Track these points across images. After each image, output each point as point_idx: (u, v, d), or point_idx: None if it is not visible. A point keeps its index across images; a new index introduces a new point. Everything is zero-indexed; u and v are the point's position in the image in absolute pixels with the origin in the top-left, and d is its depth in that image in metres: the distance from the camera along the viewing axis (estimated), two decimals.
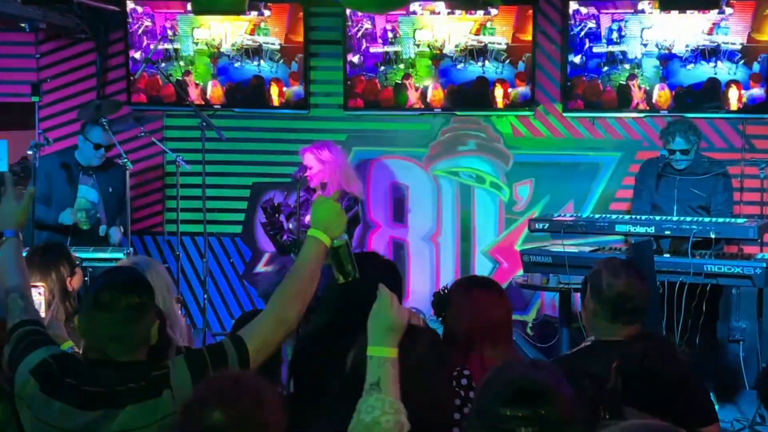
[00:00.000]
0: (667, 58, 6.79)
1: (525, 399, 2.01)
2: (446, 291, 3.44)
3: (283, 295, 2.79)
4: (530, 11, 6.88)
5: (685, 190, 6.18)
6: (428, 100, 7.12)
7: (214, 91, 7.32)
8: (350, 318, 3.28)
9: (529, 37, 6.91)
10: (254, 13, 7.11)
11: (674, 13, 6.62)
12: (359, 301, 3.31)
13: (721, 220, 5.74)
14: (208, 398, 2.22)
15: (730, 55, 6.70)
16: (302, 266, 2.84)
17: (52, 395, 2.61)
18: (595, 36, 6.85)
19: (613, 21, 6.83)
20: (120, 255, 5.97)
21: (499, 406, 2.01)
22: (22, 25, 6.98)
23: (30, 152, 6.41)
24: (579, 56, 6.91)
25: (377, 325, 2.58)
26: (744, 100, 6.74)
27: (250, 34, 7.21)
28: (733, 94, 6.74)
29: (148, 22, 7.27)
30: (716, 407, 3.46)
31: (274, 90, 7.26)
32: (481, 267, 7.36)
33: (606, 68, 6.88)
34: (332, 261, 2.94)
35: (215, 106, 7.31)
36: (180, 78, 7.28)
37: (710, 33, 6.70)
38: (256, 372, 2.61)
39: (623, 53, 6.84)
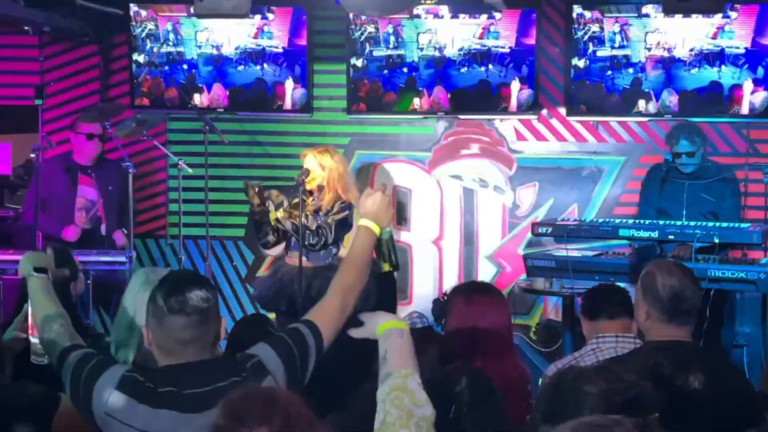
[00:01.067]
0: (671, 62, 6.77)
1: None
2: (446, 297, 3.44)
3: (344, 281, 2.94)
4: (534, 15, 6.86)
5: (694, 195, 6.16)
6: (432, 103, 7.11)
7: (218, 94, 7.31)
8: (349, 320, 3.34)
9: (533, 41, 6.90)
10: (257, 17, 7.11)
11: (678, 17, 6.60)
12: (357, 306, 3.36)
13: (725, 224, 5.72)
14: (242, 415, 2.15)
15: (735, 59, 6.68)
16: (357, 254, 3.00)
17: (159, 406, 2.60)
18: (599, 40, 6.84)
19: (617, 24, 6.81)
20: (122, 258, 5.98)
21: None
22: (26, 28, 7.00)
23: (33, 155, 6.43)
24: (583, 60, 6.89)
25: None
26: (748, 104, 6.71)
27: (254, 38, 7.21)
28: (737, 98, 6.72)
29: (151, 26, 7.27)
30: None
31: (277, 93, 7.26)
32: (485, 271, 7.34)
33: (610, 72, 6.86)
34: (377, 250, 3.08)
35: (218, 110, 7.31)
36: (183, 81, 7.28)
37: (714, 37, 6.68)
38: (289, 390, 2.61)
39: (627, 57, 6.83)
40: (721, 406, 3.12)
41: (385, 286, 3.66)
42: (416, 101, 7.13)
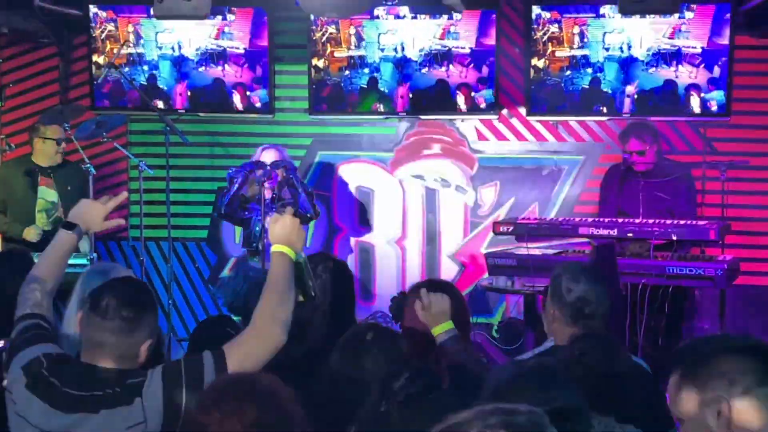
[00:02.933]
0: (628, 62, 6.85)
1: None
2: (403, 295, 3.46)
3: (264, 311, 2.79)
4: (493, 16, 6.91)
5: (650, 193, 6.24)
6: (393, 104, 7.14)
7: (178, 95, 7.29)
8: (303, 316, 3.36)
9: (493, 42, 6.95)
10: (218, 18, 7.10)
11: (636, 17, 6.68)
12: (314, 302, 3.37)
13: (682, 222, 5.80)
14: (210, 405, 2.19)
15: (691, 59, 6.77)
16: (276, 281, 2.85)
17: (35, 394, 2.64)
18: (557, 40, 6.90)
19: (576, 25, 6.88)
20: (83, 260, 5.94)
21: None
22: None
23: None
24: (542, 60, 6.95)
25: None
26: (705, 103, 6.81)
27: (215, 39, 7.20)
28: (693, 97, 6.81)
29: (111, 27, 7.23)
30: None
31: (238, 94, 7.25)
32: (447, 270, 7.38)
33: (569, 72, 6.93)
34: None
35: (179, 111, 7.29)
36: (143, 82, 7.25)
37: (671, 37, 6.77)
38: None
39: (586, 57, 6.90)
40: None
41: (341, 280, 3.67)
42: (377, 102, 7.15)
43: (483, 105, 7.04)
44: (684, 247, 5.84)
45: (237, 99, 7.25)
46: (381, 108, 7.16)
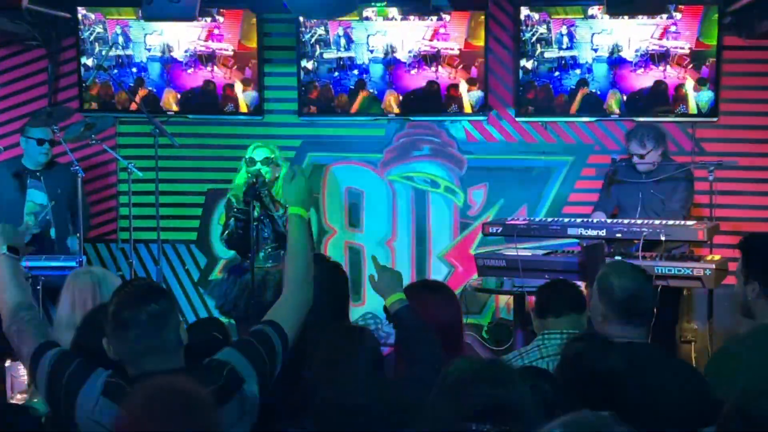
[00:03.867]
0: (617, 63, 6.87)
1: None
2: None
3: (296, 275, 2.98)
4: (482, 17, 6.92)
5: (647, 193, 6.27)
6: (382, 105, 7.14)
7: (167, 97, 7.28)
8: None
9: (482, 43, 6.96)
10: (207, 20, 7.09)
11: (624, 18, 6.70)
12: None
13: (671, 222, 5.81)
14: (146, 407, 2.20)
15: (679, 60, 6.79)
16: (298, 243, 3.02)
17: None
18: (546, 41, 6.92)
19: (564, 26, 6.89)
20: (72, 263, 5.92)
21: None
22: None
23: None
24: (531, 61, 6.97)
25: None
26: (693, 103, 6.83)
27: (203, 41, 7.19)
28: (682, 97, 6.83)
29: (99, 29, 7.22)
30: None
31: (227, 96, 7.24)
32: (437, 271, 7.39)
33: (557, 73, 6.95)
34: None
35: (168, 113, 7.28)
36: (132, 84, 7.24)
37: (660, 38, 6.79)
38: None
39: (574, 58, 6.91)
40: (672, 405, 3.17)
41: (335, 281, 3.68)
42: (367, 103, 7.15)
43: (472, 106, 7.05)
44: (673, 247, 5.86)
45: (226, 101, 7.24)
46: (370, 109, 7.16)
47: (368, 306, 7.33)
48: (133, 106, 7.12)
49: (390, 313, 3.29)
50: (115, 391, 2.65)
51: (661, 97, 6.86)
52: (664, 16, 6.64)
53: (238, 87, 7.23)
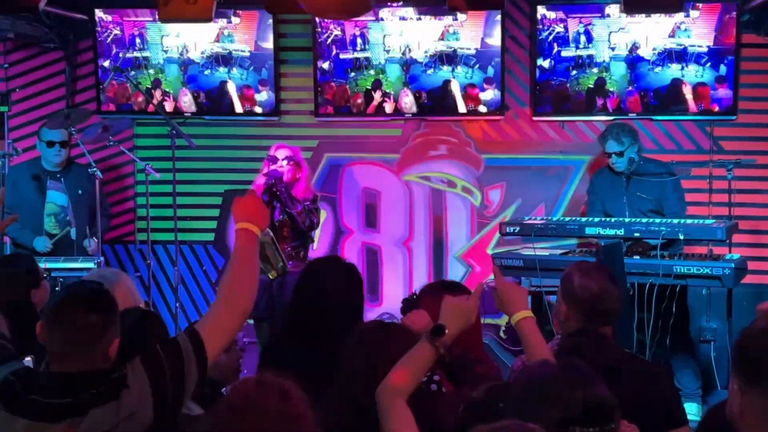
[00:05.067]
0: (634, 61, 6.84)
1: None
2: (415, 296, 3.45)
3: (231, 284, 2.87)
4: (499, 16, 6.91)
5: (632, 195, 6.25)
6: (399, 105, 7.13)
7: (184, 98, 7.30)
8: (314, 317, 3.38)
9: (498, 42, 6.95)
10: (223, 21, 7.11)
11: (641, 16, 6.68)
12: (322, 302, 3.39)
13: (689, 221, 5.78)
14: (237, 404, 2.23)
15: (697, 58, 6.76)
16: (239, 254, 2.92)
17: (17, 413, 2.60)
18: (563, 40, 6.90)
19: (581, 25, 6.87)
20: (91, 264, 5.95)
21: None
22: None
23: None
24: (548, 60, 6.95)
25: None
26: (711, 102, 6.80)
27: (220, 42, 7.21)
28: (700, 96, 6.80)
29: (116, 31, 7.25)
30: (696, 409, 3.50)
31: (244, 97, 7.26)
32: (454, 271, 7.38)
33: (574, 72, 6.93)
34: (261, 257, 3.03)
35: (185, 114, 7.30)
36: (149, 86, 7.26)
37: (677, 36, 6.76)
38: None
39: (591, 57, 6.89)
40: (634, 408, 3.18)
41: (351, 282, 3.68)
42: (383, 103, 7.15)
43: (489, 106, 7.04)
44: (678, 245, 5.82)
45: (243, 102, 7.26)
46: (387, 109, 7.16)
47: (386, 306, 7.32)
48: (150, 108, 7.14)
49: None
50: (5, 388, 2.65)
51: (679, 96, 6.83)
52: (682, 14, 6.60)
53: (255, 88, 7.23)
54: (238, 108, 7.28)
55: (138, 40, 7.25)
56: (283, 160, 6.12)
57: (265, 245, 3.06)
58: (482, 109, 7.06)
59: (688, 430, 3.28)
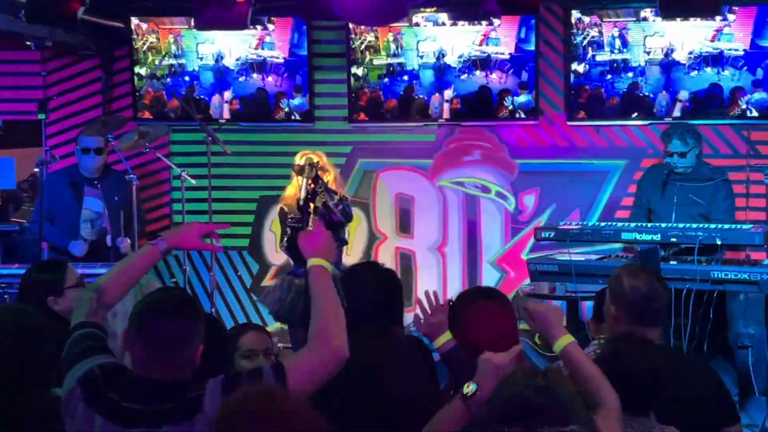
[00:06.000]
0: (670, 65, 6.80)
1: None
2: (451, 303, 3.45)
3: (321, 330, 2.73)
4: (533, 21, 6.89)
5: (684, 196, 6.19)
6: (432, 111, 7.13)
7: (219, 105, 7.35)
8: (351, 323, 3.39)
9: (532, 47, 6.93)
10: (258, 28, 7.14)
11: (677, 20, 6.63)
12: (360, 308, 3.40)
13: (726, 226, 5.73)
14: (237, 413, 2.21)
15: (734, 61, 6.70)
16: (324, 297, 2.81)
17: (95, 408, 2.61)
18: (597, 44, 6.87)
19: (616, 29, 6.84)
20: None
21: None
22: (28, 43, 7.03)
23: (37, 169, 6.46)
24: (582, 65, 6.92)
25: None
26: (748, 106, 6.74)
27: (255, 49, 7.25)
28: (737, 99, 6.74)
29: (152, 39, 7.30)
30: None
31: (278, 103, 7.29)
32: (488, 277, 7.36)
33: (609, 76, 6.89)
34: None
35: (220, 121, 7.34)
36: (185, 93, 7.32)
37: (713, 39, 6.71)
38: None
39: (626, 61, 6.85)
40: (687, 408, 3.17)
41: (390, 288, 3.69)
42: (417, 109, 7.15)
43: (523, 110, 7.02)
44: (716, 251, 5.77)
45: (277, 108, 7.29)
46: (420, 115, 7.16)
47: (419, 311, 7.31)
48: (186, 114, 7.19)
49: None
50: (88, 381, 2.66)
51: (716, 100, 6.77)
52: (718, 17, 6.55)
53: (289, 94, 7.26)
54: (272, 114, 7.31)
55: (174, 48, 7.31)
56: (306, 166, 6.12)
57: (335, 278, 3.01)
58: (516, 114, 7.04)
59: (741, 428, 3.29)
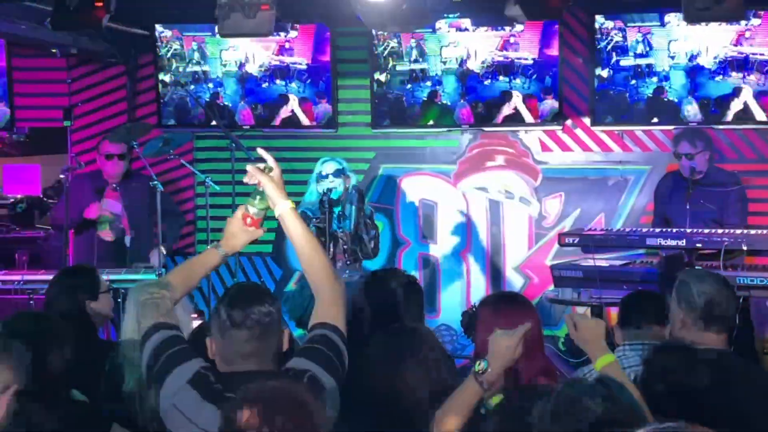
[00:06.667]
0: (695, 70, 6.76)
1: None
2: (474, 309, 3.45)
3: (321, 270, 2.91)
4: (556, 26, 6.87)
5: (696, 202, 6.15)
6: (455, 116, 7.13)
7: (243, 111, 7.37)
8: (373, 329, 3.39)
9: (556, 52, 6.91)
10: (281, 35, 7.16)
11: (701, 24, 6.59)
12: (381, 314, 3.40)
13: (753, 231, 5.69)
14: (247, 404, 2.23)
15: (760, 66, 6.65)
16: (301, 237, 2.96)
17: (219, 407, 2.60)
18: (621, 49, 6.84)
19: (640, 34, 6.80)
20: (152, 276, 6.02)
21: None
22: (54, 50, 7.10)
23: (62, 176, 6.51)
24: (606, 70, 6.89)
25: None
26: None
27: (278, 55, 7.27)
28: (762, 104, 6.68)
29: (176, 46, 7.34)
30: None
31: (302, 109, 7.31)
32: (512, 282, 7.34)
33: (633, 81, 6.86)
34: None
35: (244, 127, 7.37)
36: (209, 100, 7.35)
37: (738, 44, 6.66)
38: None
39: (650, 66, 6.82)
40: (759, 415, 3.13)
41: (412, 295, 3.69)
42: (440, 114, 7.15)
43: (547, 116, 7.00)
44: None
45: (300, 114, 7.31)
46: (443, 120, 7.16)
47: (443, 318, 7.32)
48: (210, 121, 7.22)
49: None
50: (201, 381, 2.69)
51: (741, 104, 6.72)
52: (743, 22, 6.50)
53: (312, 100, 7.28)
54: (296, 120, 7.33)
55: (197, 54, 7.34)
56: (331, 174, 6.13)
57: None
58: (540, 119, 7.02)
59: None
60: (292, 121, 7.34)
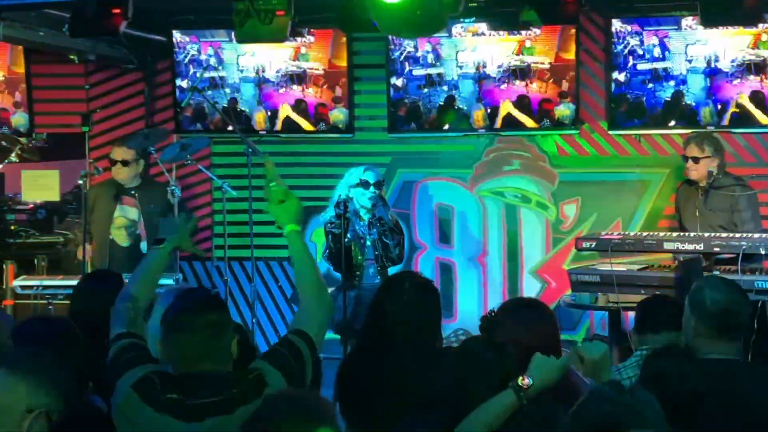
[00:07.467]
0: (712, 74, 6.73)
1: None
2: (494, 314, 3.44)
3: (312, 285, 3.07)
4: (573, 30, 6.86)
5: (706, 209, 6.13)
6: (472, 121, 7.13)
7: (260, 117, 7.40)
8: (391, 333, 3.39)
9: (572, 56, 6.90)
10: (298, 40, 7.18)
11: (719, 28, 6.56)
12: (399, 318, 3.39)
13: None
14: (268, 416, 2.26)
15: None
16: (304, 258, 3.11)
17: (159, 410, 2.72)
18: (638, 53, 6.82)
19: (656, 37, 6.79)
20: (169, 281, 6.05)
21: None
22: (72, 57, 7.14)
23: (81, 181, 6.55)
24: (623, 74, 6.88)
25: None
26: None
27: (294, 60, 7.29)
28: None
29: (194, 51, 7.38)
30: None
31: (318, 115, 7.32)
32: (529, 287, 7.33)
33: (651, 85, 6.84)
34: None
35: (261, 132, 7.39)
36: (226, 105, 7.37)
37: (755, 47, 6.63)
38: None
39: (667, 70, 6.80)
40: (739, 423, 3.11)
41: (428, 298, 3.70)
42: (456, 119, 7.15)
43: (564, 120, 6.99)
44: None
45: (317, 119, 7.32)
46: (460, 125, 7.15)
47: (459, 322, 7.31)
48: (227, 126, 7.24)
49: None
50: (144, 386, 2.75)
51: (760, 108, 6.69)
52: (761, 25, 6.48)
53: (329, 105, 7.29)
54: (313, 126, 7.35)
55: (214, 60, 7.37)
56: (374, 184, 6.11)
57: None
58: (556, 123, 7.01)
59: None
60: (309, 126, 7.35)
